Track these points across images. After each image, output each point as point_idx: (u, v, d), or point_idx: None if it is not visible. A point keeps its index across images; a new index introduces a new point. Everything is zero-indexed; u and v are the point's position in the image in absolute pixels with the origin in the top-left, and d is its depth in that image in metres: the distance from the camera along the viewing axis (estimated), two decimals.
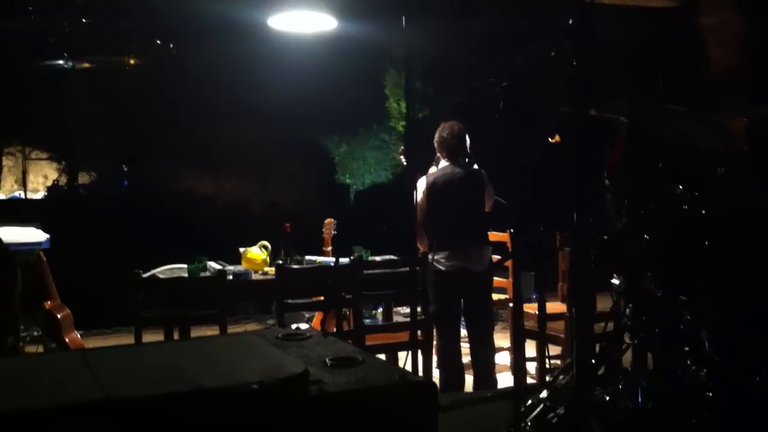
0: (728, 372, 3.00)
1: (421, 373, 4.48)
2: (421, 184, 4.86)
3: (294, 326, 3.29)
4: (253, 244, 5.00)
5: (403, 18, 3.31)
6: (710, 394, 2.98)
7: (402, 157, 6.11)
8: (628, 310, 3.34)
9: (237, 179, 8.62)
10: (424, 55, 7.63)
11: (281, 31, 5.62)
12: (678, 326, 3.16)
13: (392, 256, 5.24)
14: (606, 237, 3.30)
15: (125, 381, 1.73)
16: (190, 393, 1.61)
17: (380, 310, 5.93)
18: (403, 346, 4.54)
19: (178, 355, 1.95)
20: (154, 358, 1.95)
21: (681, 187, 3.19)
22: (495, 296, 5.69)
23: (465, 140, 4.95)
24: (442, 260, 4.76)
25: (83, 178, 8.21)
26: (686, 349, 3.19)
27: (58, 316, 5.02)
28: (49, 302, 5.07)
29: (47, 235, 5.28)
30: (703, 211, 3.04)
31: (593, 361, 3.30)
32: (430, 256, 4.74)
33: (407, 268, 4.53)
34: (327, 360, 1.91)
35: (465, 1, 7.53)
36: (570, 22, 2.94)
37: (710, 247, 3.06)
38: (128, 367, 1.86)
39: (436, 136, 4.96)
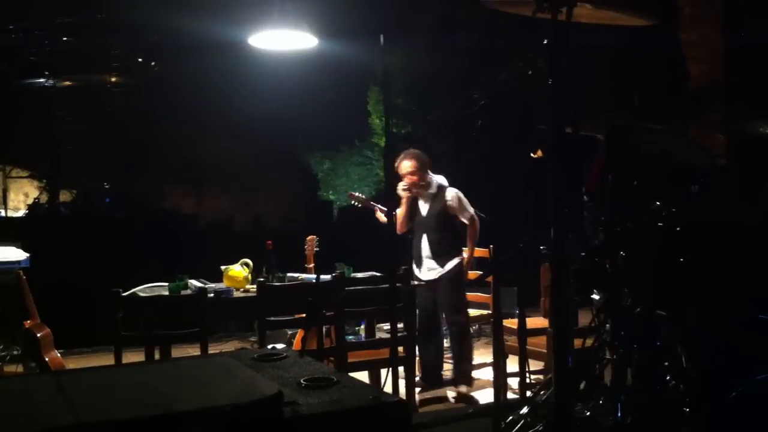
0: (707, 386, 3.02)
1: (403, 390, 4.47)
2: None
3: (270, 346, 3.27)
4: (236, 261, 4.98)
5: (381, 37, 3.32)
6: (688, 409, 2.99)
7: (355, 202, 6.34)
8: (607, 325, 3.35)
9: (221, 196, 8.60)
10: (407, 72, 7.67)
11: (263, 49, 5.64)
12: (656, 341, 3.18)
13: (375, 273, 5.24)
14: (584, 253, 3.32)
15: (97, 405, 1.72)
16: (161, 416, 1.60)
17: (363, 326, 5.92)
18: (385, 363, 4.53)
19: (152, 377, 1.94)
20: (128, 381, 1.94)
21: (658, 203, 3.21)
22: (477, 311, 5.71)
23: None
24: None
25: (64, 196, 8.17)
26: (665, 364, 3.21)
27: (38, 335, 4.98)
28: (28, 321, 5.03)
29: (26, 254, 5.24)
30: (678, 228, 3.06)
31: (573, 376, 3.31)
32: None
33: (389, 285, 4.53)
34: (302, 381, 1.90)
35: (449, 19, 7.58)
36: (545, 41, 2.96)
37: (686, 262, 3.08)
38: (101, 390, 1.85)
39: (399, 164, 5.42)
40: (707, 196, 3.30)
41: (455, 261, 5.32)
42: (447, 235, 5.35)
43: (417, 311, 5.41)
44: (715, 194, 3.40)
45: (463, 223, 5.37)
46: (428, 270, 5.35)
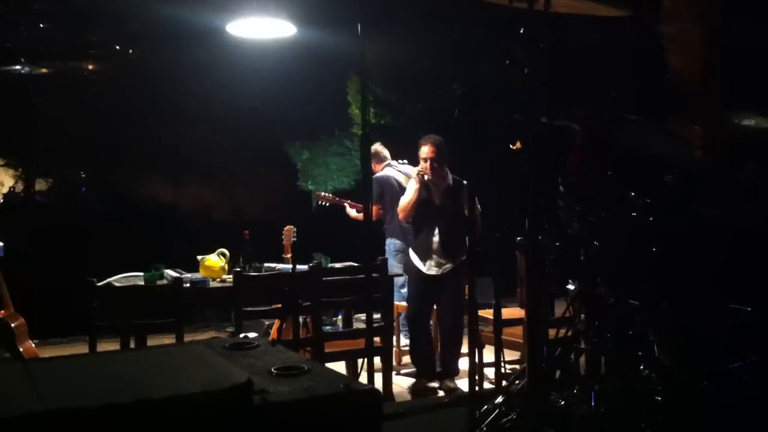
0: (678, 375, 3.05)
1: (380, 380, 4.48)
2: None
3: (242, 335, 3.25)
4: (215, 250, 4.96)
5: (359, 26, 3.31)
6: (660, 398, 3.02)
7: (322, 202, 6.36)
8: (582, 315, 3.38)
9: (199, 185, 8.54)
10: (388, 63, 7.64)
11: (242, 37, 5.60)
12: (629, 331, 3.20)
13: (353, 263, 5.23)
14: (559, 243, 3.34)
15: (65, 393, 1.70)
16: (129, 404, 1.59)
17: (340, 317, 5.92)
18: (362, 353, 4.54)
19: (122, 365, 1.93)
20: (97, 369, 1.92)
21: (633, 194, 3.23)
22: None
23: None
24: None
25: (40, 185, 8.08)
26: (638, 353, 3.23)
27: (12, 325, 4.94)
28: (2, 311, 4.98)
29: (1, 243, 5.19)
30: (652, 218, 3.08)
31: (547, 365, 3.33)
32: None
33: (366, 275, 4.53)
34: (272, 369, 1.90)
35: (429, 10, 7.56)
36: (521, 30, 2.97)
37: (659, 253, 3.10)
38: (70, 378, 1.83)
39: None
40: (683, 190, 3.33)
41: (463, 257, 5.09)
42: (460, 230, 5.08)
43: (413, 303, 5.29)
44: (693, 188, 3.43)
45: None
46: (436, 265, 5.18)
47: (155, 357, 2.04)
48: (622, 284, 3.19)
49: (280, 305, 4.67)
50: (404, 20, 7.44)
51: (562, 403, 3.22)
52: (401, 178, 6.14)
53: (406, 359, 5.76)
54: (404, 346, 5.90)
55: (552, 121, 3.09)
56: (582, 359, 3.44)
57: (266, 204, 8.43)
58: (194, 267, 4.92)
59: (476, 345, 4.17)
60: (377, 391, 1.87)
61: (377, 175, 6.05)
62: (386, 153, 6.26)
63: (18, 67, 7.72)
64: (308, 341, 4.38)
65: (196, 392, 1.65)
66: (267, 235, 5.55)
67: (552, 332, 3.47)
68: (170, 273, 4.73)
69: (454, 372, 5.19)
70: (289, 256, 5.37)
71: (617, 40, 5.23)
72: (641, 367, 3.22)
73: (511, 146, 3.81)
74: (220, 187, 8.54)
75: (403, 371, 5.65)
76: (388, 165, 6.20)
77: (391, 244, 6.05)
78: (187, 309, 4.45)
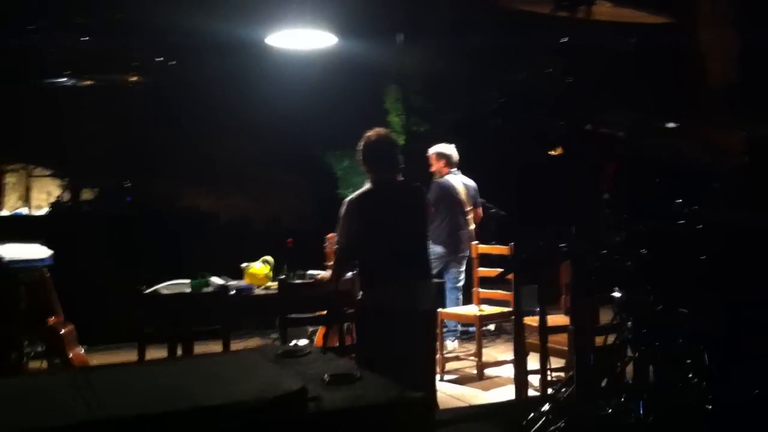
0: (725, 385, 3.01)
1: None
2: (349, 203, 4.03)
3: (293, 342, 3.26)
4: (255, 259, 5.01)
5: (397, 36, 3.33)
6: (709, 407, 2.98)
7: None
8: (629, 323, 3.35)
9: (239, 195, 8.64)
10: (424, 71, 7.67)
11: (281, 48, 5.67)
12: (678, 339, 3.17)
13: None
14: (604, 251, 3.32)
15: (124, 400, 1.74)
16: (186, 411, 1.62)
17: None
18: None
19: (177, 373, 1.96)
20: (153, 377, 1.96)
21: (679, 201, 3.21)
22: (497, 309, 5.70)
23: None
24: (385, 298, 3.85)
25: (86, 195, 8.24)
26: (687, 362, 3.20)
27: (62, 332, 5.05)
28: (52, 318, 5.09)
29: (51, 252, 5.29)
30: (699, 226, 3.05)
31: (594, 374, 3.31)
32: (361, 292, 4.01)
33: None
34: (325, 377, 1.92)
35: (464, 19, 7.57)
36: (562, 40, 2.97)
37: (707, 261, 3.07)
38: (127, 386, 1.87)
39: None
40: (726, 198, 3.29)
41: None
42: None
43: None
44: (733, 196, 3.39)
45: None
46: None
47: (209, 365, 2.08)
48: (671, 292, 3.15)
49: (324, 312, 4.71)
50: (442, 29, 7.45)
51: (609, 411, 3.20)
52: (461, 188, 6.20)
53: (449, 366, 5.76)
54: (447, 353, 5.91)
55: (596, 130, 3.09)
56: (629, 368, 3.41)
57: (305, 212, 8.49)
58: (236, 275, 4.97)
59: (521, 352, 4.16)
60: (429, 398, 1.88)
61: (440, 180, 6.22)
62: (456, 158, 6.31)
63: (63, 79, 7.88)
64: (353, 348, 4.39)
65: (251, 399, 1.68)
66: (306, 243, 5.59)
67: (599, 340, 3.45)
68: (215, 280, 4.79)
69: None
70: (331, 263, 5.39)
71: (656, 46, 5.19)
72: (689, 376, 3.18)
73: (551, 152, 3.80)
74: (260, 196, 8.63)
75: (446, 377, 5.64)
76: (451, 172, 6.27)
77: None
78: (232, 316, 4.50)
